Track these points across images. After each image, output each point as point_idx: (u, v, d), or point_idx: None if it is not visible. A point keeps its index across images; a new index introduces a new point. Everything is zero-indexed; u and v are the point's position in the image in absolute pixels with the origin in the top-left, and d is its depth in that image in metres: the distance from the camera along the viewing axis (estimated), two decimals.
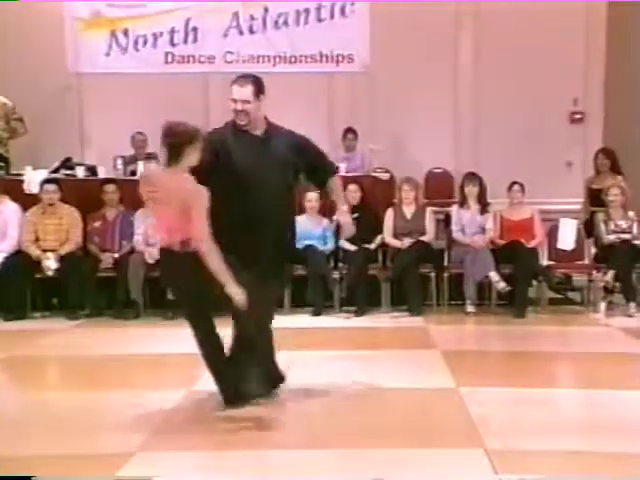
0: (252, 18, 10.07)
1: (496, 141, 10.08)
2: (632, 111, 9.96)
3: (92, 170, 8.69)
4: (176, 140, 4.29)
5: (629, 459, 3.73)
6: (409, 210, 8.32)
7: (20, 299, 7.84)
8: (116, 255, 8.02)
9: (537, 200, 8.70)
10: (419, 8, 9.75)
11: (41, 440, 4.13)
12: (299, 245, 7.86)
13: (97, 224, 8.19)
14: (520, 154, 9.91)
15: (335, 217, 5.14)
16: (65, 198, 8.15)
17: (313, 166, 4.80)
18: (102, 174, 8.61)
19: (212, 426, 4.31)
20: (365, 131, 9.69)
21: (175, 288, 4.72)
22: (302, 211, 8.01)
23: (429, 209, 8.45)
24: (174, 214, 4.26)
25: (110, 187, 8.25)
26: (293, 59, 10.12)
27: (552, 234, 8.54)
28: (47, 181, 8.18)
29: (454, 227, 8.28)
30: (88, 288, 7.95)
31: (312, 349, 6.29)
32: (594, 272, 8.14)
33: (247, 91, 4.55)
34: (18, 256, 7.91)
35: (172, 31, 10.09)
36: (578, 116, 10.26)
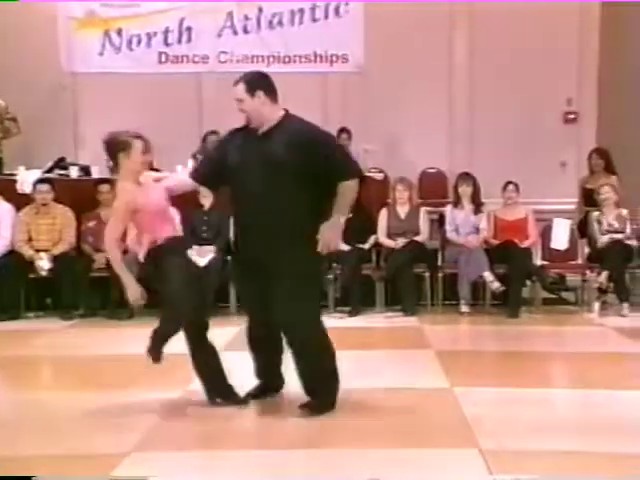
0: (246, 18, 10.07)
1: (490, 141, 10.10)
2: (625, 111, 9.98)
3: (86, 170, 8.68)
4: (110, 150, 4.56)
5: (624, 459, 3.74)
6: (403, 210, 8.32)
7: (13, 299, 7.83)
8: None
9: (531, 200, 8.71)
10: (413, 8, 9.76)
11: (35, 440, 4.12)
12: None
13: (91, 224, 8.17)
14: (514, 154, 9.93)
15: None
16: (58, 198, 8.14)
17: (323, 168, 4.32)
18: (96, 174, 8.60)
19: (207, 426, 4.30)
20: (359, 131, 9.69)
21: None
22: None
23: (423, 209, 8.45)
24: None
25: (105, 187, 8.22)
26: (287, 59, 10.12)
27: (546, 234, 8.55)
28: (40, 181, 8.17)
29: (448, 227, 8.29)
30: (82, 288, 7.95)
31: None
32: (588, 272, 8.15)
33: (239, 90, 4.50)
34: (11, 256, 7.90)
35: (166, 31, 10.08)
36: (572, 116, 10.28)
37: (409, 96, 10.07)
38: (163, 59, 10.11)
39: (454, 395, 4.81)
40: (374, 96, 10.06)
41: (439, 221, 8.65)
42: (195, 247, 7.18)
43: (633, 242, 8.05)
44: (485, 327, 7.46)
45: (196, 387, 4.98)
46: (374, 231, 8.26)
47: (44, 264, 7.76)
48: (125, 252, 7.90)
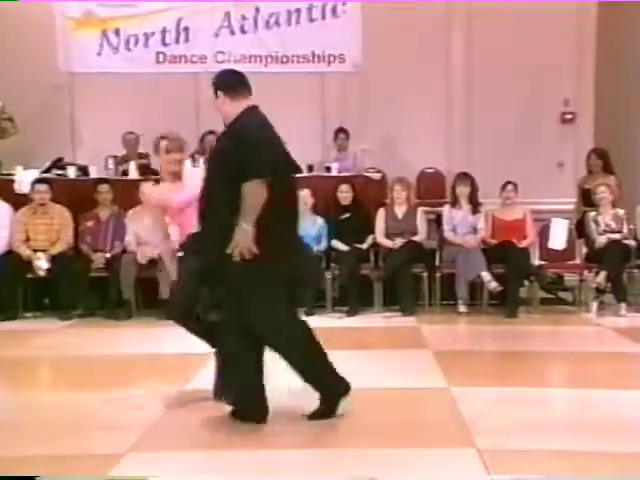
0: (243, 18, 10.06)
1: (488, 141, 10.10)
2: (623, 111, 9.99)
3: (83, 170, 8.68)
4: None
5: (621, 458, 3.74)
6: (401, 210, 8.33)
7: (11, 299, 7.83)
8: (108, 255, 8.01)
9: (529, 200, 8.72)
10: (410, 8, 9.75)
11: (32, 441, 4.12)
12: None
13: (90, 224, 8.17)
14: (512, 154, 9.93)
15: None
16: (56, 198, 8.14)
17: (234, 167, 4.14)
18: (94, 174, 8.60)
19: (205, 426, 4.30)
20: (357, 131, 9.69)
21: None
22: None
23: (421, 209, 8.45)
24: None
25: (104, 187, 8.24)
26: (285, 59, 10.11)
27: (543, 234, 8.56)
28: (38, 181, 8.17)
29: (446, 227, 8.30)
30: (80, 288, 7.94)
31: None
32: (585, 272, 8.16)
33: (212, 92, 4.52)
34: (9, 256, 7.90)
35: (163, 31, 10.07)
36: (569, 116, 10.28)
37: (407, 96, 10.06)
38: (161, 59, 10.10)
39: (452, 395, 4.81)
40: (372, 96, 10.06)
41: (437, 221, 8.65)
42: None
43: (631, 242, 8.06)
44: (483, 327, 7.46)
45: (194, 387, 5.00)
46: (372, 231, 8.26)
47: (42, 264, 7.75)
48: (124, 252, 7.99)
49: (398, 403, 4.72)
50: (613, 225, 8.15)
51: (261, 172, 4.12)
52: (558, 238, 8.53)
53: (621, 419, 4.35)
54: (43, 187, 8.07)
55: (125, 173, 8.56)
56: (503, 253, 7.93)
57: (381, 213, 8.29)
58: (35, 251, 7.88)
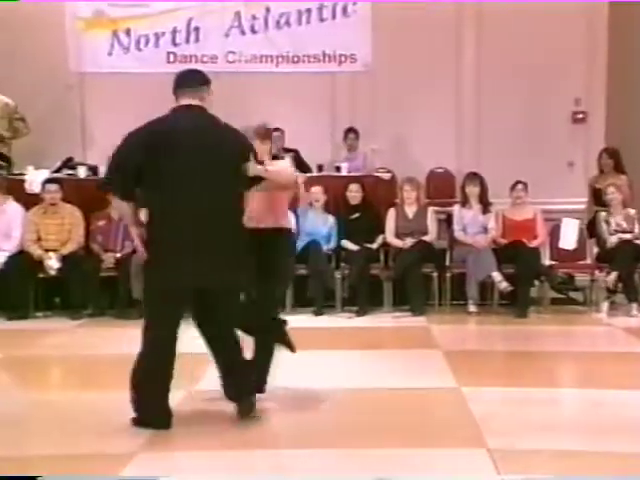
0: (254, 18, 10.06)
1: (498, 141, 10.07)
2: (634, 110, 9.95)
3: (94, 170, 8.69)
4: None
5: (632, 459, 3.73)
6: (411, 210, 8.32)
7: (23, 299, 7.85)
8: (118, 255, 8.02)
9: (539, 200, 8.69)
10: (421, 8, 9.74)
11: (43, 440, 4.13)
12: (301, 242, 7.95)
13: (101, 223, 8.19)
14: (522, 154, 9.90)
15: None
16: (67, 198, 8.16)
17: None
18: (104, 174, 8.60)
19: (214, 426, 4.30)
20: (367, 131, 9.68)
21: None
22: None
23: (431, 209, 8.44)
24: None
25: None
26: (295, 59, 10.11)
27: (554, 234, 8.53)
28: (49, 181, 8.19)
29: (456, 227, 8.28)
30: (90, 288, 7.96)
31: (314, 349, 6.28)
32: (597, 272, 8.13)
33: None
34: (21, 256, 7.92)
35: (174, 31, 10.08)
36: (580, 116, 10.24)
37: (417, 96, 10.05)
38: (171, 59, 10.11)
39: (462, 395, 4.80)
40: (382, 96, 10.04)
41: (447, 221, 8.64)
42: None
43: None
44: (493, 327, 7.45)
45: (203, 387, 5.00)
46: (382, 231, 8.25)
47: (53, 264, 7.78)
48: (134, 251, 7.99)
49: (408, 403, 4.71)
50: (624, 225, 8.12)
51: (103, 183, 4.41)
52: (569, 238, 8.50)
53: (631, 419, 4.34)
54: (54, 187, 8.09)
55: None
56: (513, 253, 7.91)
57: (391, 213, 8.28)
58: (46, 251, 7.90)
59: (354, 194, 8.32)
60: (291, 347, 4.81)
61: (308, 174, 8.44)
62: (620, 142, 9.27)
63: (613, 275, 7.78)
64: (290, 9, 10.04)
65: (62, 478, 3.49)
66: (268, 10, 10.05)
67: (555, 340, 6.87)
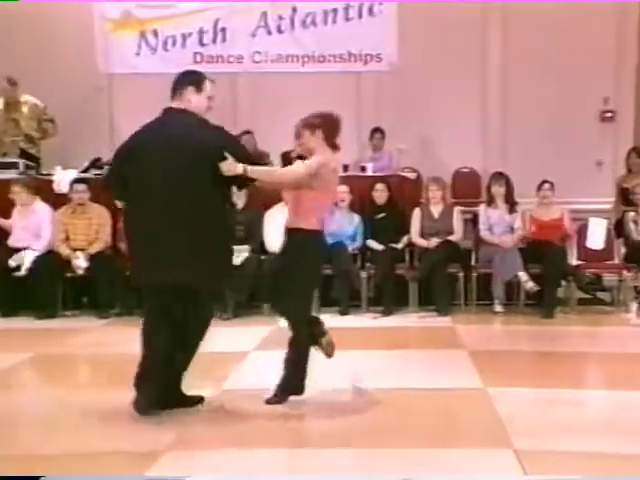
0: (280, 18, 10.09)
1: (524, 140, 10.02)
2: None
3: None
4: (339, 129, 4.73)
5: None
6: (436, 210, 8.29)
7: (51, 298, 7.91)
8: None
9: (567, 200, 8.64)
10: (447, 7, 9.72)
11: (71, 437, 4.16)
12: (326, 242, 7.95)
13: None
14: (549, 153, 9.85)
15: None
16: (94, 198, 8.21)
17: None
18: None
19: (241, 425, 4.32)
20: (392, 131, 9.67)
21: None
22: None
23: (457, 209, 8.41)
24: None
25: None
26: (321, 59, 10.13)
27: (582, 233, 8.47)
28: (77, 181, 8.26)
29: (481, 226, 8.25)
30: (117, 287, 8.00)
31: (339, 349, 6.27)
32: (624, 272, 8.07)
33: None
34: (49, 255, 7.99)
35: (201, 31, 10.14)
36: (609, 115, 10.17)
37: (442, 95, 10.02)
38: (198, 59, 10.16)
39: (488, 395, 4.79)
40: (407, 95, 10.03)
41: (473, 221, 8.61)
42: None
43: None
44: (519, 327, 7.41)
45: (232, 386, 5.02)
46: (407, 231, 8.24)
47: (81, 263, 7.84)
48: None
49: (433, 403, 4.70)
50: None
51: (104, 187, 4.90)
52: (596, 238, 8.44)
53: None
54: (82, 187, 8.16)
55: None
56: (540, 253, 7.87)
57: (417, 213, 8.26)
58: (74, 250, 7.97)
59: (380, 194, 8.31)
60: (326, 352, 4.76)
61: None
62: None
63: None
64: (316, 9, 10.06)
65: (55, 478, 3.48)
66: (294, 10, 10.07)
67: (582, 341, 6.82)
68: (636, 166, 8.70)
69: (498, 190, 8.26)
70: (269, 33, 10.15)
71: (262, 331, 6.63)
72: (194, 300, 4.41)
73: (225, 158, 4.29)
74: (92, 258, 7.91)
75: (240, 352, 5.86)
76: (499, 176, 8.38)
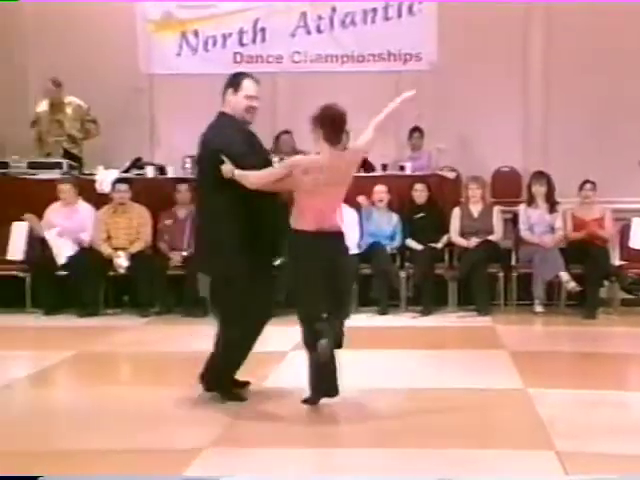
0: (320, 18, 10.09)
1: (566, 139, 9.91)
2: None
3: (161, 170, 8.83)
4: (343, 122, 4.48)
5: None
6: (476, 209, 8.25)
7: (93, 296, 8.01)
8: (185, 253, 8.12)
9: (608, 199, 8.53)
10: (487, 6, 9.65)
11: (113, 434, 4.20)
12: (365, 242, 7.95)
13: (168, 222, 8.31)
14: (591, 152, 9.73)
15: None
16: (135, 197, 8.30)
17: None
18: (171, 173, 8.75)
19: (280, 423, 4.34)
20: (432, 130, 9.63)
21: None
22: None
23: (497, 208, 8.36)
24: (340, 193, 4.55)
25: (183, 186, 8.35)
26: (360, 58, 10.11)
27: (624, 233, 8.37)
28: (118, 180, 8.34)
29: (522, 226, 8.18)
30: (158, 286, 8.08)
31: (378, 348, 6.29)
32: None
33: (258, 89, 4.68)
34: (91, 254, 8.09)
35: (241, 31, 10.18)
36: None
37: (483, 94, 9.95)
38: (238, 59, 10.21)
39: (529, 396, 4.75)
40: (447, 94, 9.97)
41: (513, 220, 8.54)
42: None
43: None
44: (560, 328, 7.34)
45: (270, 385, 5.04)
46: (446, 230, 8.20)
47: (122, 262, 7.91)
48: None
49: (473, 404, 4.67)
50: None
51: None
52: (639, 238, 8.32)
53: None
54: (123, 187, 8.24)
55: None
56: (582, 253, 7.79)
57: (456, 212, 8.22)
58: (115, 249, 8.05)
59: (419, 193, 8.28)
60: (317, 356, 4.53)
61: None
62: None
63: None
64: (356, 8, 10.04)
65: (54, 478, 3.49)
66: (334, 10, 10.07)
67: (624, 342, 6.74)
68: None
69: (539, 189, 8.19)
70: (308, 33, 10.16)
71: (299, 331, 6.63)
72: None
73: (218, 162, 4.47)
74: (133, 257, 7.98)
75: (279, 352, 5.88)
76: (540, 175, 8.31)
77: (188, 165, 8.84)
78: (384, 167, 8.84)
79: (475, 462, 3.69)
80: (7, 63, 10.44)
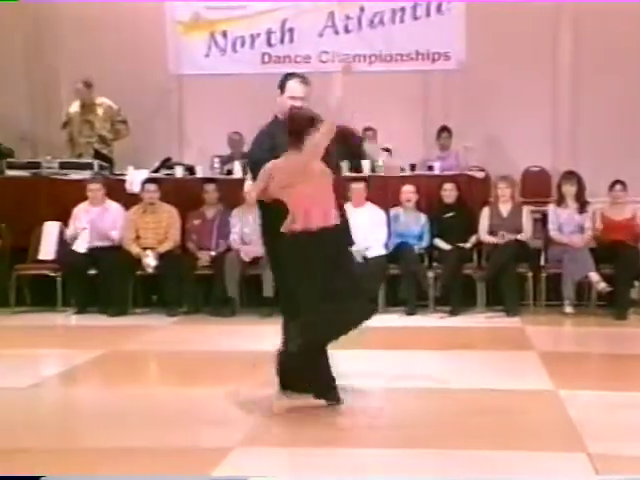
0: (348, 17, 10.09)
1: (596, 139, 9.84)
2: None
3: (190, 170, 8.87)
4: (300, 125, 4.50)
5: None
6: (505, 208, 8.20)
7: (122, 296, 8.06)
8: (213, 253, 8.16)
9: (637, 199, 8.45)
10: (516, 6, 9.60)
11: (141, 433, 4.22)
12: (393, 242, 7.94)
13: (196, 222, 8.35)
14: (621, 152, 9.66)
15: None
16: (164, 197, 8.34)
17: None
18: (200, 173, 8.78)
19: (309, 423, 4.33)
20: (460, 129, 9.60)
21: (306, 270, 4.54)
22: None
23: (527, 208, 8.31)
24: (313, 191, 4.48)
25: (210, 186, 8.39)
26: (388, 58, 10.10)
27: None
28: (148, 180, 8.39)
29: (551, 226, 8.12)
30: (186, 285, 8.11)
31: (407, 348, 6.28)
32: None
33: (306, 89, 4.75)
34: (120, 254, 8.14)
35: (269, 32, 10.21)
36: None
37: (511, 93, 9.90)
38: (266, 60, 10.24)
39: (559, 398, 4.71)
40: (476, 94, 9.94)
41: (542, 220, 8.48)
42: None
43: None
44: (590, 329, 7.28)
45: None
46: (475, 230, 8.16)
47: (150, 261, 7.95)
48: (228, 250, 8.13)
49: (503, 405, 4.64)
50: None
51: None
52: None
53: None
54: (152, 187, 8.28)
55: (230, 172, 8.71)
56: (612, 253, 7.72)
57: (485, 211, 8.18)
58: (144, 249, 8.09)
59: (449, 193, 8.24)
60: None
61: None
62: None
63: None
64: (384, 8, 10.02)
65: (55, 478, 3.48)
66: (362, 9, 10.06)
67: None
68: None
69: (569, 189, 8.12)
70: (336, 33, 10.16)
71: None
72: None
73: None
74: (161, 257, 8.02)
75: None
76: (570, 175, 8.24)
77: (217, 165, 8.89)
78: (412, 167, 8.81)
79: (506, 464, 3.66)
80: (39, 65, 10.58)
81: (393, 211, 8.17)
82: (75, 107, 9.40)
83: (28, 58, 10.57)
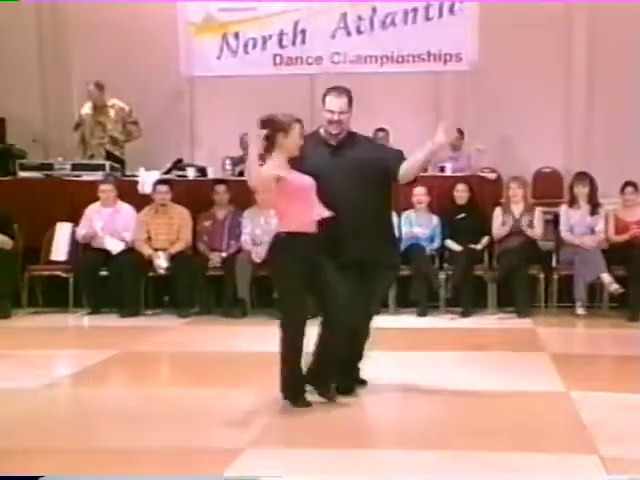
0: (360, 18, 10.06)
1: (609, 140, 9.80)
2: None
3: (202, 171, 8.89)
4: (269, 131, 4.56)
5: None
6: (517, 209, 8.18)
7: (134, 297, 8.08)
8: (224, 254, 8.17)
9: None
10: (530, 6, 9.58)
11: (152, 433, 4.23)
12: (404, 244, 7.93)
13: (207, 223, 8.37)
14: (633, 153, 9.61)
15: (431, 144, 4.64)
16: (176, 198, 8.36)
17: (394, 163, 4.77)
18: (211, 175, 8.80)
19: (320, 424, 4.34)
20: (472, 130, 9.58)
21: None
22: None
23: (539, 209, 8.29)
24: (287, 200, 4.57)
25: (221, 187, 8.41)
26: (400, 59, 10.06)
27: None
28: (159, 182, 8.41)
29: (562, 227, 8.10)
30: (197, 286, 8.13)
31: (417, 350, 6.28)
32: None
33: (343, 102, 4.83)
34: (132, 255, 8.16)
35: (280, 33, 10.19)
36: None
37: (524, 94, 9.87)
38: (277, 61, 10.24)
39: (571, 399, 4.70)
40: (488, 95, 9.92)
41: (554, 221, 8.46)
42: None
43: None
44: (602, 330, 7.26)
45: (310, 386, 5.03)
46: (487, 232, 8.15)
47: (162, 263, 7.96)
48: (238, 251, 8.14)
49: (514, 406, 4.64)
50: None
51: None
52: None
53: None
54: (164, 188, 8.30)
55: (241, 174, 8.71)
56: (624, 254, 7.69)
57: (497, 212, 8.17)
58: (155, 250, 8.11)
59: (461, 194, 8.24)
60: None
61: None
62: None
63: None
64: (396, 9, 9.99)
65: (55, 478, 3.49)
66: (374, 10, 10.02)
67: None
68: None
69: (581, 190, 8.10)
70: (348, 34, 10.13)
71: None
72: None
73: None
74: (173, 258, 8.04)
75: None
76: (583, 176, 8.22)
77: (228, 166, 8.90)
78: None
79: (517, 465, 3.66)
80: (51, 66, 10.64)
81: (405, 214, 8.16)
82: (87, 109, 9.44)
83: (40, 60, 10.63)
